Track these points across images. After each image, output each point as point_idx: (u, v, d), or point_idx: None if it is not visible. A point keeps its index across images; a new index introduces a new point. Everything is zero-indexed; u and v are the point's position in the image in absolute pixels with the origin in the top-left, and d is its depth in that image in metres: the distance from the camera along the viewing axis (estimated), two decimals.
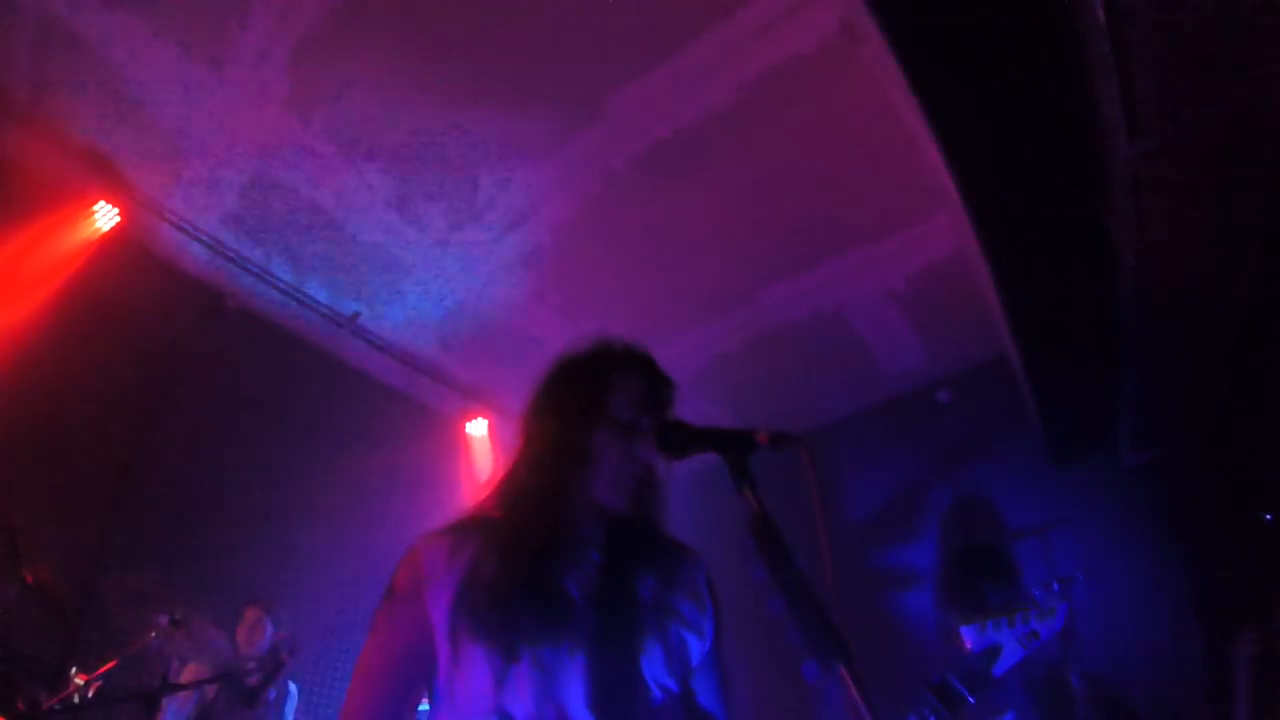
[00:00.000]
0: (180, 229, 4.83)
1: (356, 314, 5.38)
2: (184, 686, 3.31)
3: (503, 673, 1.40)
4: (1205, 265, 3.59)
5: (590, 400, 1.64)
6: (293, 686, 4.00)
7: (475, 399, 6.09)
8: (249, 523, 4.86)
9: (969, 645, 1.56)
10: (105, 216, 4.64)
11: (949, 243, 4.55)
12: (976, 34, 3.09)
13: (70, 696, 3.14)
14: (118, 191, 4.66)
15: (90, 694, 3.16)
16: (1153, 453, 4.70)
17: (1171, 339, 3.94)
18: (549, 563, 1.51)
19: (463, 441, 6.13)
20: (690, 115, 4.14)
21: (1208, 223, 3.41)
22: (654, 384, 1.68)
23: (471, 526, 1.59)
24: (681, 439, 1.54)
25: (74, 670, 3.29)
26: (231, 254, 4.98)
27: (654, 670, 1.49)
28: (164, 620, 3.19)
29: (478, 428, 6.16)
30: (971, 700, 1.54)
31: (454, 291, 5.26)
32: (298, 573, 4.88)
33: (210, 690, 3.71)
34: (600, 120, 4.19)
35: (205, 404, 4.96)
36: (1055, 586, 4.24)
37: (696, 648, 1.59)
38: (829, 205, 4.56)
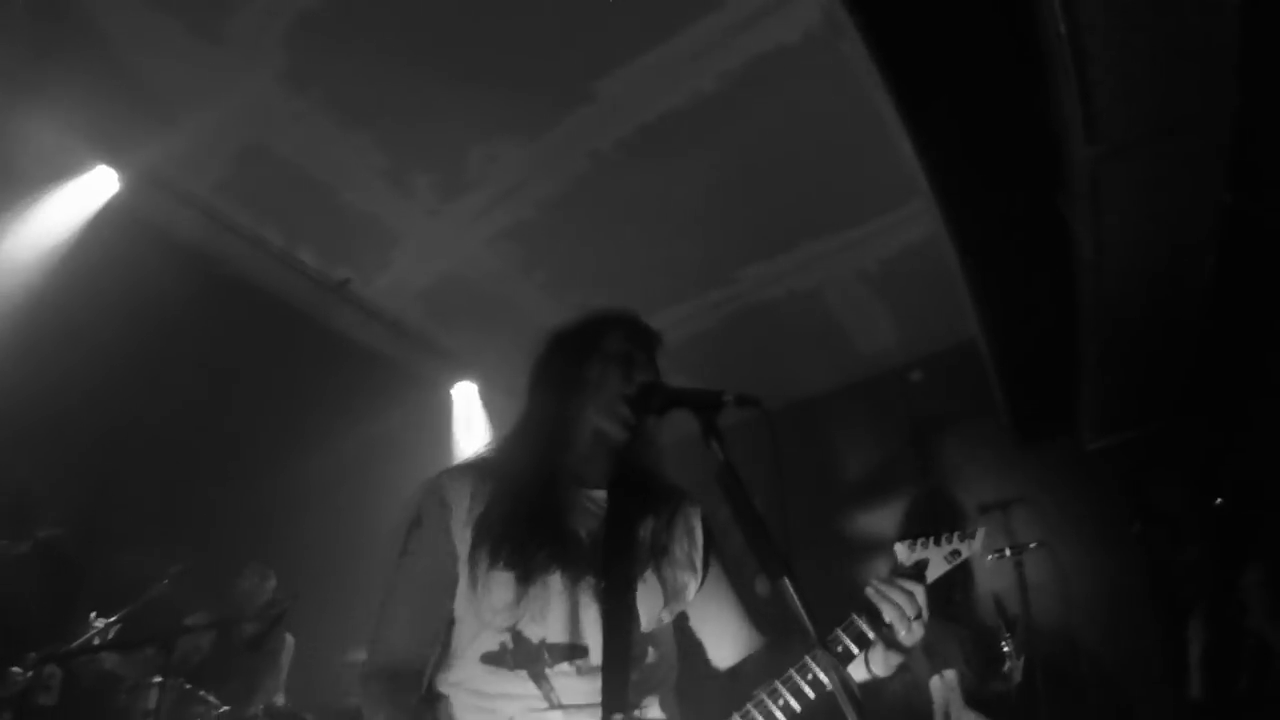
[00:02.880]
0: (174, 196, 5.03)
1: (347, 279, 5.59)
2: (194, 629, 3.62)
3: (517, 597, 1.67)
4: (1160, 257, 3.87)
5: (585, 343, 1.93)
6: (289, 637, 4.32)
7: (462, 365, 6.37)
8: (243, 483, 5.15)
9: (900, 559, 1.78)
10: (103, 184, 4.85)
11: (922, 229, 4.81)
12: (946, 36, 3.36)
13: (90, 639, 3.46)
14: (113, 159, 4.85)
15: (110, 635, 3.49)
16: (1114, 437, 5.00)
17: (1131, 328, 4.23)
18: (555, 502, 1.79)
19: (450, 406, 6.44)
20: (676, 101, 4.38)
21: (1161, 218, 3.70)
22: (642, 335, 1.98)
23: (489, 465, 1.87)
24: (661, 398, 1.81)
25: (93, 615, 3.61)
26: (224, 221, 5.18)
27: (647, 602, 1.77)
28: (171, 570, 3.51)
29: (464, 393, 6.46)
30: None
31: (442, 261, 5.49)
32: (292, 530, 5.18)
33: (207, 640, 4.04)
34: (588, 103, 4.40)
35: (199, 367, 5.22)
36: (1006, 553, 4.60)
37: (691, 586, 1.88)
38: (807, 190, 4.82)
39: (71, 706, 3.64)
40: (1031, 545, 4.56)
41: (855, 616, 1.68)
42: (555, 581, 1.70)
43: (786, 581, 1.49)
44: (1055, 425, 5.06)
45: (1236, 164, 3.42)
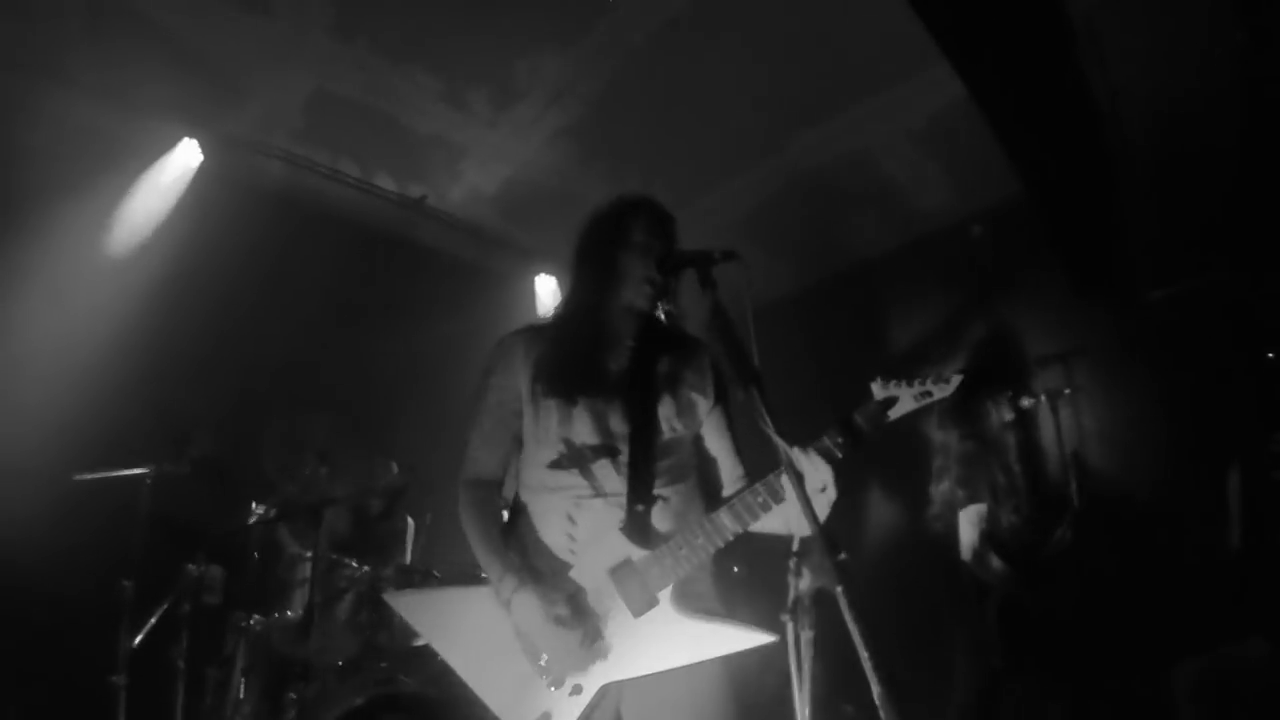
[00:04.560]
0: (254, 152, 5.82)
1: (423, 196, 6.28)
2: (338, 501, 4.50)
3: (566, 415, 2.36)
4: (1178, 99, 4.05)
5: (616, 233, 2.52)
6: (410, 520, 5.15)
7: (540, 259, 7.04)
8: (358, 387, 6.00)
9: (874, 394, 2.22)
10: (188, 155, 5.70)
11: None
12: None
13: (251, 517, 4.45)
14: (195, 131, 5.67)
15: (271, 514, 4.45)
16: (1171, 288, 5.05)
17: (1164, 174, 4.38)
18: (594, 348, 2.44)
19: (533, 298, 7.15)
20: None
21: (1172, 60, 3.86)
22: (660, 218, 2.55)
23: (541, 327, 2.56)
24: (671, 263, 2.39)
25: (254, 503, 4.59)
26: (304, 164, 5.94)
27: (667, 415, 2.43)
28: (315, 457, 4.42)
29: (545, 284, 7.15)
30: (868, 432, 2.21)
31: (507, 166, 6.08)
32: (407, 419, 5.99)
33: (344, 518, 4.92)
34: (614, 5, 4.77)
35: (305, 294, 6.01)
36: (1043, 397, 4.95)
37: (702, 405, 2.52)
38: (844, 52, 5.01)
39: (237, 592, 4.62)
40: (1076, 390, 4.86)
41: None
42: (592, 403, 2.37)
43: (755, 390, 2.04)
44: (1113, 276, 5.16)
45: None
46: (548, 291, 7.12)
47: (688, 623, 2.18)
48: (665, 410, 2.42)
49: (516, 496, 2.47)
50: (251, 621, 4.44)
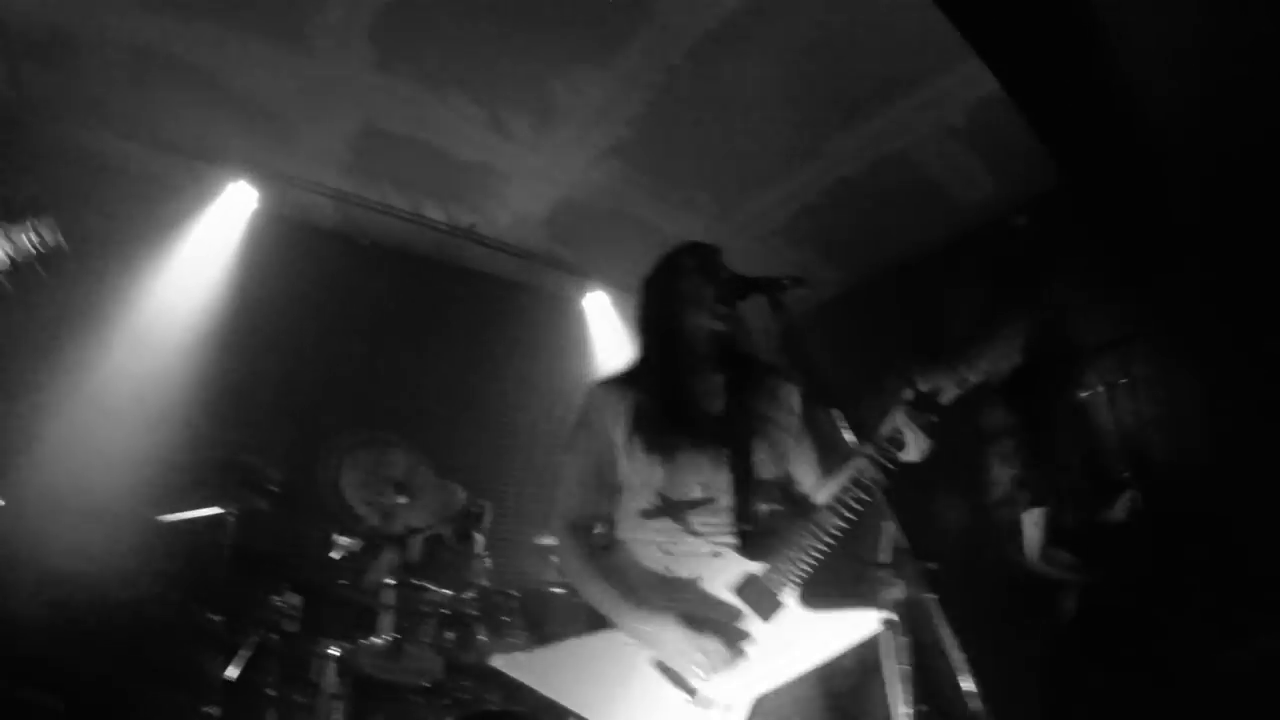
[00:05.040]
0: (306, 190, 6.06)
1: (473, 224, 6.48)
2: (424, 530, 4.74)
3: (667, 468, 2.47)
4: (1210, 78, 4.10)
5: (672, 276, 2.66)
6: (480, 537, 5.32)
7: (589, 277, 7.20)
8: (420, 413, 6.20)
9: (918, 387, 2.30)
10: (242, 197, 5.97)
11: None
12: None
13: (336, 549, 4.71)
14: (243, 174, 5.93)
15: (356, 545, 4.72)
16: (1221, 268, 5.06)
17: (1207, 159, 4.44)
18: (685, 396, 2.56)
19: (584, 315, 7.32)
20: (732, 2, 4.73)
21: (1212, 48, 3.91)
22: (707, 252, 2.68)
23: (628, 376, 2.67)
24: (740, 286, 2.52)
25: (336, 535, 4.79)
26: (354, 199, 6.16)
27: (762, 460, 2.54)
28: (393, 488, 4.61)
29: (595, 301, 7.31)
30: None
31: (552, 188, 6.23)
32: (471, 444, 6.19)
33: (418, 544, 5.10)
34: (648, 22, 4.83)
35: (362, 325, 6.25)
36: (1102, 389, 4.97)
37: (792, 444, 2.65)
38: (880, 53, 5.04)
39: (321, 620, 4.82)
40: (1134, 379, 4.84)
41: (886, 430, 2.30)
42: (691, 456, 2.47)
43: (836, 411, 2.21)
44: (1162, 259, 5.11)
45: None
46: (599, 308, 7.29)
47: (817, 617, 2.29)
48: (760, 455, 2.54)
49: (614, 537, 2.59)
50: (336, 648, 4.65)
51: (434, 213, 6.39)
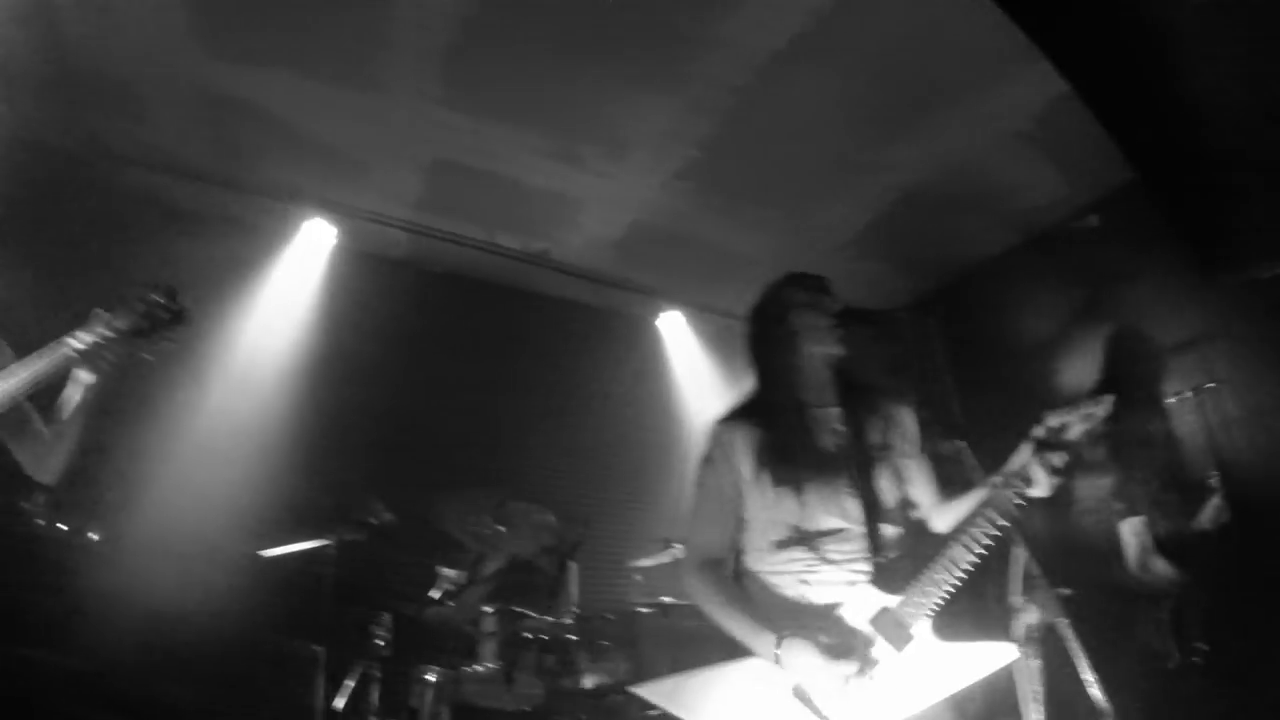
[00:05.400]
0: (381, 224, 6.29)
1: (545, 249, 6.63)
2: (527, 558, 4.97)
3: (797, 501, 2.56)
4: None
5: (781, 305, 2.79)
6: (573, 564, 5.43)
7: (662, 296, 7.32)
8: (505, 440, 6.36)
9: (1048, 423, 2.37)
10: (318, 235, 6.24)
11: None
12: None
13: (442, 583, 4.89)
14: (319, 211, 6.20)
15: (461, 578, 4.95)
16: None
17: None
18: (808, 427, 2.65)
19: (659, 336, 7.45)
20: (797, 22, 4.81)
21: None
22: (814, 281, 2.81)
23: (748, 411, 2.76)
24: (852, 318, 2.64)
25: (439, 568, 4.98)
26: (428, 231, 6.38)
27: (887, 486, 2.63)
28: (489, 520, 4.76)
29: (669, 321, 7.43)
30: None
31: (624, 213, 6.35)
32: (557, 471, 6.32)
33: (506, 572, 5.24)
34: (716, 46, 4.91)
35: (440, 354, 6.41)
36: (1189, 394, 4.93)
37: (911, 466, 2.73)
38: (946, 62, 5.08)
39: (416, 652, 4.97)
40: (1220, 383, 4.77)
41: (1014, 470, 2.37)
42: (820, 488, 2.57)
43: (965, 444, 2.26)
44: (1242, 256, 5.11)
45: None
46: (674, 327, 7.42)
47: (950, 649, 2.35)
48: (885, 482, 2.63)
49: (743, 566, 2.67)
50: (434, 674, 4.79)
51: (507, 240, 6.55)
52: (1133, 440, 4.64)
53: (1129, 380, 4.88)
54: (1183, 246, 5.10)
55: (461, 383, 6.39)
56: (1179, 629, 4.31)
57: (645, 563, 5.62)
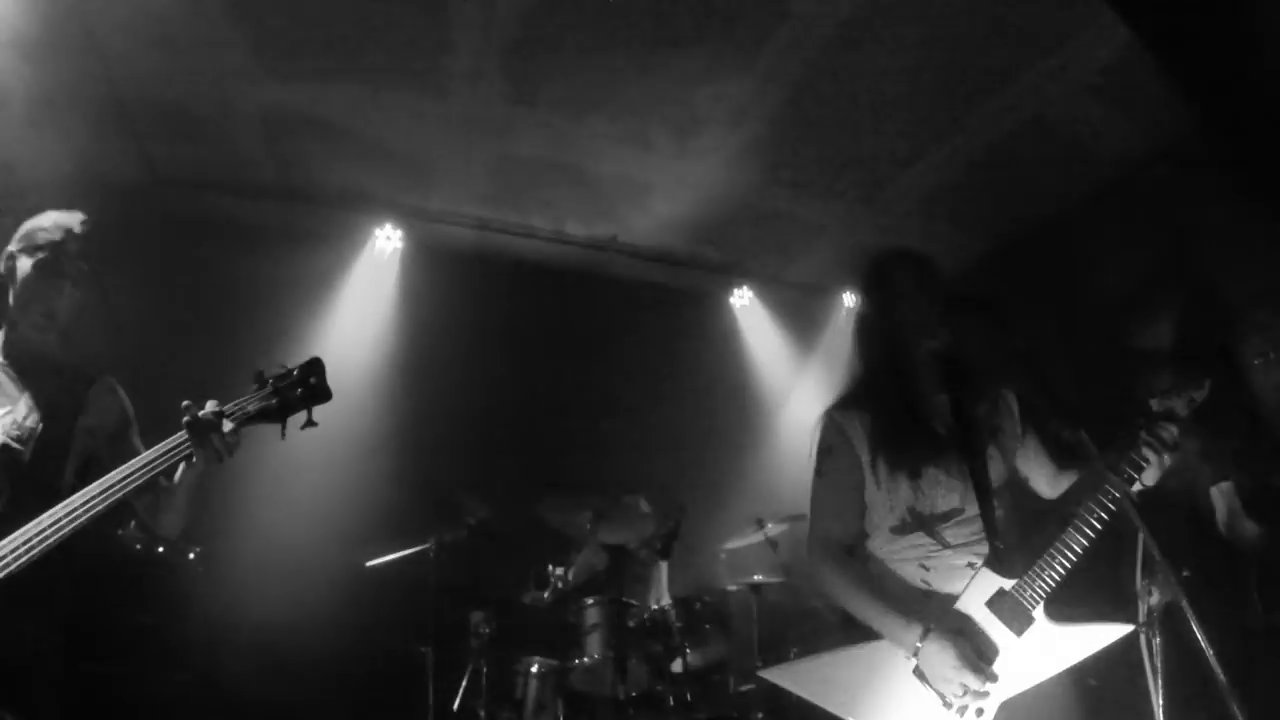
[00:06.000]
0: (448, 223, 6.49)
1: (614, 236, 6.74)
2: (633, 549, 5.17)
3: (913, 486, 2.65)
4: None
5: (889, 289, 2.81)
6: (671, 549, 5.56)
7: (734, 274, 7.39)
8: (591, 431, 6.50)
9: (1152, 407, 2.48)
10: (387, 239, 6.44)
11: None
12: None
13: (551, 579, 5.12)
14: (388, 216, 6.40)
15: (568, 575, 5.15)
16: None
17: None
18: (918, 413, 2.72)
19: (732, 311, 7.52)
20: None
21: None
22: (927, 272, 2.82)
23: (858, 398, 2.83)
24: (961, 305, 2.67)
25: (550, 566, 5.19)
26: (496, 225, 6.52)
27: (996, 467, 2.71)
28: (588, 514, 4.90)
29: (741, 297, 7.49)
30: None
31: (694, 192, 6.39)
32: (640, 460, 6.43)
33: (602, 559, 5.38)
34: (785, 21, 4.94)
35: (519, 344, 6.57)
36: (1272, 355, 4.85)
37: (1016, 447, 2.82)
38: (1012, 20, 5.01)
39: (521, 645, 5.16)
40: None
41: (1130, 451, 2.46)
42: (935, 473, 2.65)
43: (1083, 433, 2.37)
44: None
45: None
46: (746, 302, 7.48)
47: (1062, 629, 2.45)
48: (994, 463, 2.71)
49: (866, 551, 2.77)
50: (539, 664, 4.98)
51: (575, 228, 6.67)
52: (1218, 404, 4.59)
53: (1210, 344, 4.83)
54: (1256, 196, 5.04)
55: (542, 375, 6.56)
56: (1264, 589, 4.31)
57: (737, 543, 5.72)
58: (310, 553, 5.53)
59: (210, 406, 2.33)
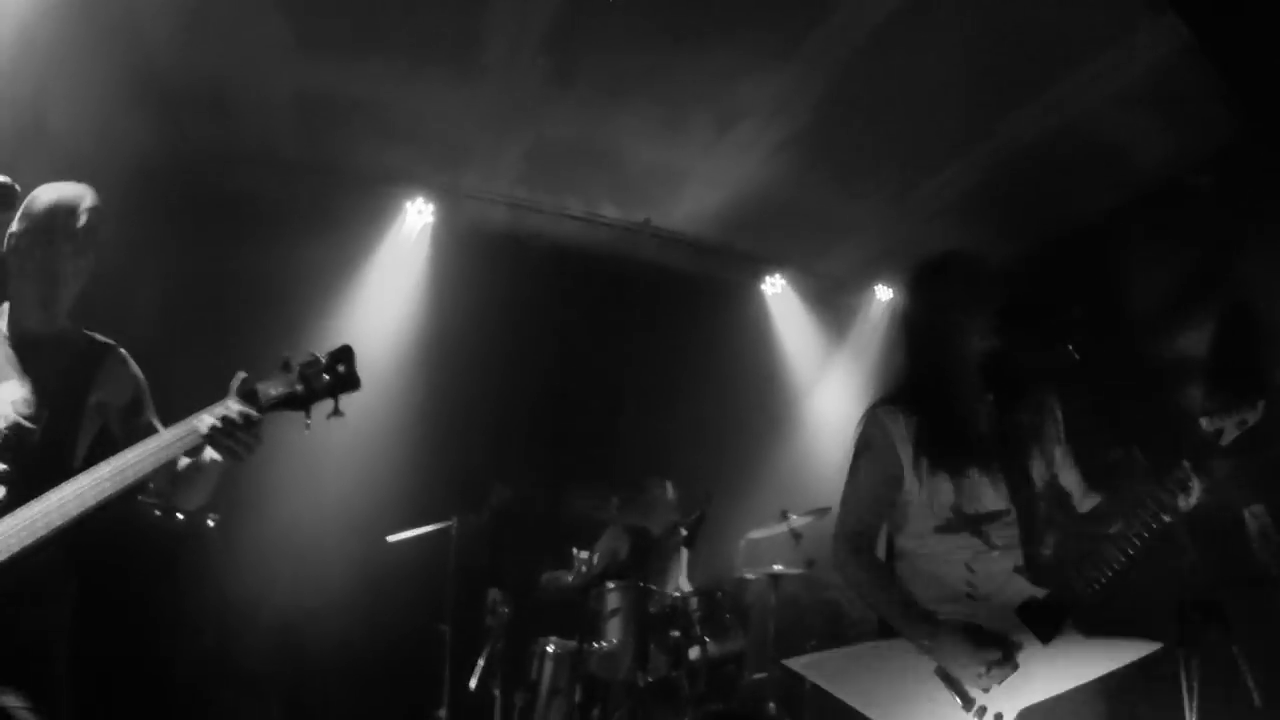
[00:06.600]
0: (480, 201, 6.53)
1: (647, 219, 6.77)
2: (659, 535, 5.21)
3: (957, 486, 2.66)
4: None
5: (942, 292, 2.81)
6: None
7: (766, 263, 7.41)
8: (617, 411, 6.64)
9: (1201, 429, 2.45)
10: (419, 215, 6.48)
11: (1173, 39, 4.78)
12: None
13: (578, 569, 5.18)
14: (420, 192, 6.45)
15: (594, 559, 5.21)
16: None
17: None
18: (963, 414, 2.73)
19: (763, 300, 7.53)
20: None
21: None
22: (982, 275, 2.82)
23: (904, 398, 2.83)
24: (1018, 314, 2.66)
25: (575, 549, 5.25)
26: (528, 205, 6.58)
27: (1039, 470, 2.74)
28: (614, 499, 4.95)
29: (774, 285, 7.51)
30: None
31: (730, 181, 6.40)
32: (666, 446, 6.47)
33: (624, 546, 5.43)
34: (828, 12, 4.94)
35: (550, 327, 6.63)
36: None
37: (1058, 451, 2.81)
38: (1053, 26, 4.99)
39: (537, 628, 5.23)
40: None
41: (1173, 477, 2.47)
42: (979, 472, 2.67)
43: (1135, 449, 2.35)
44: None
45: None
46: (778, 292, 7.50)
47: (1089, 642, 2.47)
48: (1037, 466, 2.74)
49: (899, 547, 2.81)
50: (554, 646, 5.04)
51: (608, 211, 6.69)
52: (1251, 426, 4.57)
53: (1245, 364, 4.81)
54: None
55: (569, 358, 6.61)
56: None
57: (761, 534, 5.77)
58: (332, 532, 5.61)
59: (235, 407, 2.25)
